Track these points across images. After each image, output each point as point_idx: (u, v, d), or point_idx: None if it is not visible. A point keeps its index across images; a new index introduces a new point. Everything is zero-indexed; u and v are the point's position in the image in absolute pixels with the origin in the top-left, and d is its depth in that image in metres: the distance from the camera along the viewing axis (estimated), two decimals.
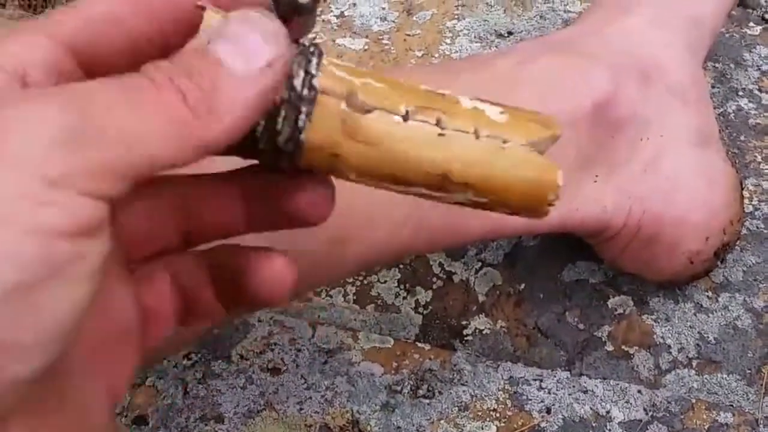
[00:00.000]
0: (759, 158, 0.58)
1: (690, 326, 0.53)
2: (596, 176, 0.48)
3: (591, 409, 0.51)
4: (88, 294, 0.20)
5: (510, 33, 0.67)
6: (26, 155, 0.19)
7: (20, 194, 0.19)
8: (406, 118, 0.24)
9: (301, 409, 0.52)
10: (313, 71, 0.24)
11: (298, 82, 0.24)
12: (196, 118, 0.22)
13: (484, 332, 0.54)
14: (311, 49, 0.24)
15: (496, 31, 0.67)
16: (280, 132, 0.24)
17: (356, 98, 0.24)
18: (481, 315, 0.55)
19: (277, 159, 0.25)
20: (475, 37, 0.67)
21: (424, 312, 0.55)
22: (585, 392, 0.51)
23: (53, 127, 0.20)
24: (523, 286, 0.56)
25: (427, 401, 0.52)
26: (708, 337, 0.52)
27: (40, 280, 0.19)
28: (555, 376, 0.52)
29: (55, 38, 0.24)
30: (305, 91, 0.24)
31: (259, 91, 0.22)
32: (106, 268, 0.21)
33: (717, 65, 0.63)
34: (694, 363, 0.52)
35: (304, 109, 0.24)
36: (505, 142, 0.25)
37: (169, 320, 0.27)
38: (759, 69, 0.62)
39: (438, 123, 0.25)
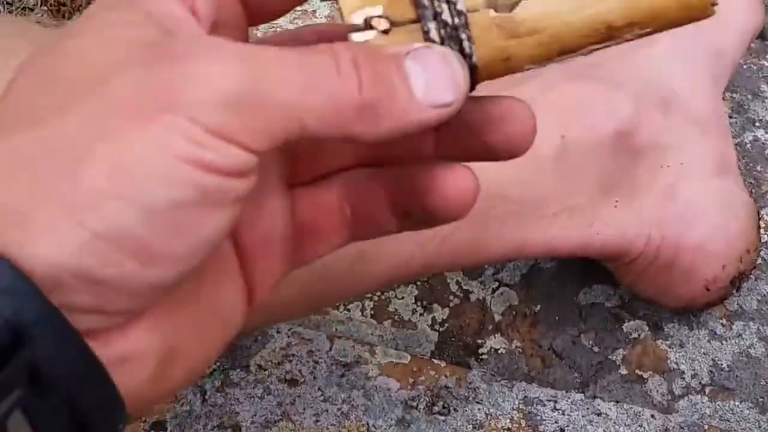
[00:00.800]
0: None
1: (704, 353, 0.53)
2: (616, 201, 0.49)
3: (604, 431, 0.51)
4: (230, 220, 0.23)
5: None
6: (198, 105, 0.21)
7: (183, 133, 0.21)
8: None
9: (317, 421, 0.52)
10: (467, 50, 0.25)
11: (446, 16, 0.25)
12: (359, 111, 0.23)
13: (499, 351, 0.55)
14: (456, 21, 0.25)
15: None
16: None
17: (498, 1, 0.25)
18: (496, 334, 0.56)
19: None
20: None
21: (441, 329, 0.56)
22: (598, 415, 0.52)
23: (228, 88, 0.22)
24: (539, 307, 0.56)
25: (443, 418, 0.52)
26: (721, 364, 0.53)
27: (193, 202, 0.22)
28: (569, 398, 0.53)
29: None
30: (456, 20, 0.25)
31: (426, 121, 0.24)
32: (266, 179, 0.25)
33: (735, 96, 0.64)
34: (707, 389, 0.52)
35: (463, 35, 0.25)
36: None
37: (332, 234, 0.29)
38: None
39: None
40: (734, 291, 0.53)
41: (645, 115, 0.50)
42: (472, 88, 0.26)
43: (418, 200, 0.28)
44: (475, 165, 0.45)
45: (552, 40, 0.25)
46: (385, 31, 0.25)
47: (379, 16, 0.25)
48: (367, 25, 0.24)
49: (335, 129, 0.23)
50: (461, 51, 0.25)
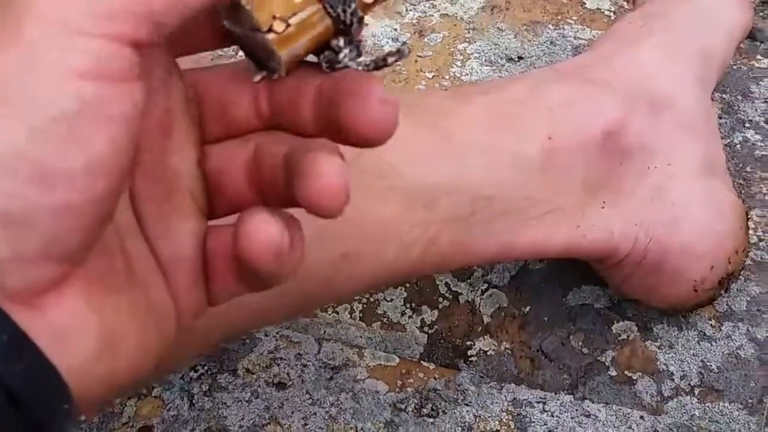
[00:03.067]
0: (765, 189, 0.59)
1: (693, 354, 0.53)
2: (604, 202, 0.49)
3: None
4: (122, 132, 0.22)
5: (520, 58, 0.68)
6: (49, 7, 0.21)
7: (48, 43, 0.21)
8: None
9: (305, 424, 0.52)
10: None
11: None
12: None
13: (488, 353, 0.55)
14: None
15: (506, 55, 0.68)
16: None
17: None
18: (485, 336, 0.55)
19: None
20: (485, 60, 0.68)
21: (430, 331, 0.56)
22: (588, 416, 0.52)
23: None
24: (528, 308, 0.56)
25: (431, 420, 0.52)
26: (711, 365, 0.53)
27: (77, 113, 0.21)
28: (558, 400, 0.52)
29: None
30: None
31: None
32: (167, 123, 0.24)
33: (724, 96, 0.64)
34: (697, 391, 0.52)
35: None
36: None
37: (241, 192, 0.28)
38: (766, 101, 0.63)
39: None
40: (723, 292, 0.53)
41: (632, 116, 0.50)
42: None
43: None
44: (460, 167, 0.45)
45: None
46: None
47: None
48: None
49: None
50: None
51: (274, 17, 0.25)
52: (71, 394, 0.22)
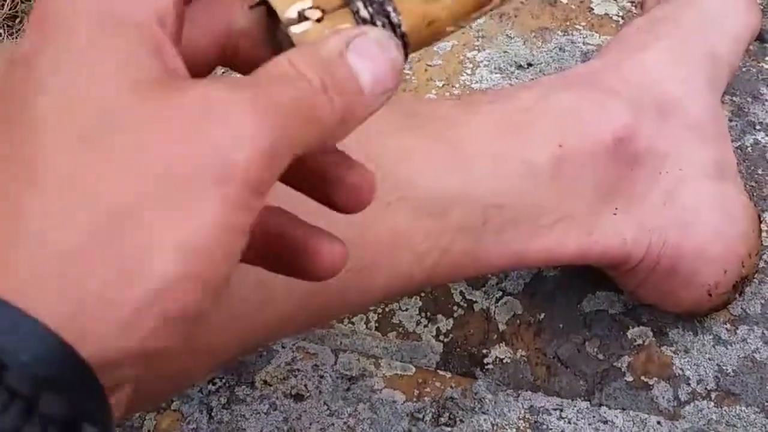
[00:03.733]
0: None
1: (709, 358, 0.53)
2: (616, 209, 0.49)
3: None
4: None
5: (530, 64, 0.68)
6: (246, 171, 0.22)
7: (237, 203, 0.22)
8: None
9: None
10: (396, 28, 0.26)
11: None
12: (335, 122, 0.24)
13: (504, 361, 0.55)
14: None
15: (515, 62, 0.69)
16: None
17: None
18: (501, 344, 0.56)
19: None
20: (495, 68, 0.68)
21: (445, 340, 0.56)
22: (605, 422, 0.52)
23: (265, 145, 0.22)
24: (543, 315, 0.56)
25: (449, 429, 0.52)
26: (727, 369, 0.53)
27: (232, 267, 0.22)
28: (575, 406, 0.52)
29: None
30: None
31: (373, 111, 0.25)
32: None
33: (734, 99, 0.64)
34: (713, 395, 0.52)
35: (389, 8, 0.26)
36: None
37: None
38: None
39: None
40: (737, 295, 0.53)
41: (642, 122, 0.50)
42: (405, 58, 0.27)
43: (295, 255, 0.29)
44: (471, 176, 0.46)
45: None
46: (319, 20, 0.26)
47: (311, 7, 0.26)
48: (301, 17, 0.26)
49: (318, 140, 0.24)
50: (390, 23, 0.26)
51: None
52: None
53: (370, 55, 0.25)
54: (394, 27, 0.26)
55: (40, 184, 0.20)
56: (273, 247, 0.28)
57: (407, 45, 0.27)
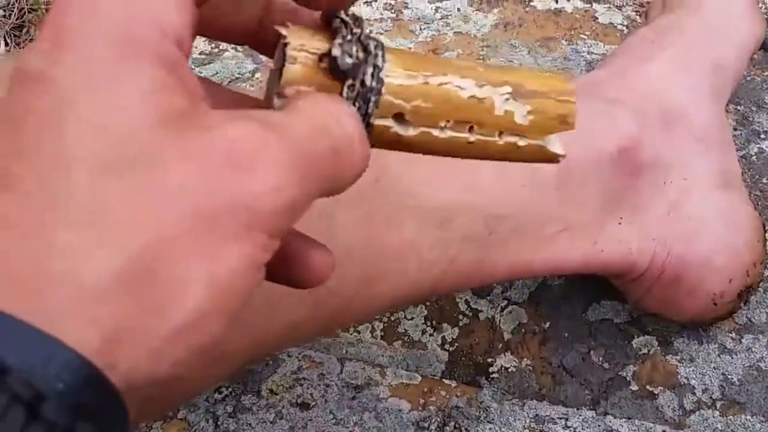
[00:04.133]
0: None
1: (714, 367, 0.53)
2: (621, 218, 0.49)
3: None
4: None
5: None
6: (273, 218, 0.23)
7: (262, 245, 0.23)
8: (443, 129, 0.29)
9: None
10: (380, 65, 0.27)
11: (368, 78, 0.27)
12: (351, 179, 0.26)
13: (509, 370, 0.55)
14: (375, 44, 0.27)
15: None
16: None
17: (404, 118, 0.28)
18: (506, 353, 0.56)
19: None
20: None
21: (450, 349, 0.56)
22: (610, 431, 0.52)
23: (289, 196, 0.23)
24: (548, 324, 0.56)
25: None
26: (732, 378, 0.53)
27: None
28: (580, 415, 0.53)
29: None
30: (374, 83, 0.27)
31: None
32: None
33: (739, 108, 0.64)
34: (718, 404, 0.52)
35: (372, 98, 0.27)
36: (522, 139, 0.29)
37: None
38: None
39: (470, 130, 0.29)
40: (742, 304, 0.53)
41: (647, 132, 0.50)
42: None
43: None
44: (476, 185, 0.46)
45: (425, 152, 0.29)
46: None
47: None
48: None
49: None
50: (366, 109, 0.27)
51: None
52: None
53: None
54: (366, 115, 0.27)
55: (71, 218, 0.21)
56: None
57: (371, 134, 0.28)
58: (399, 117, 0.28)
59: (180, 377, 0.22)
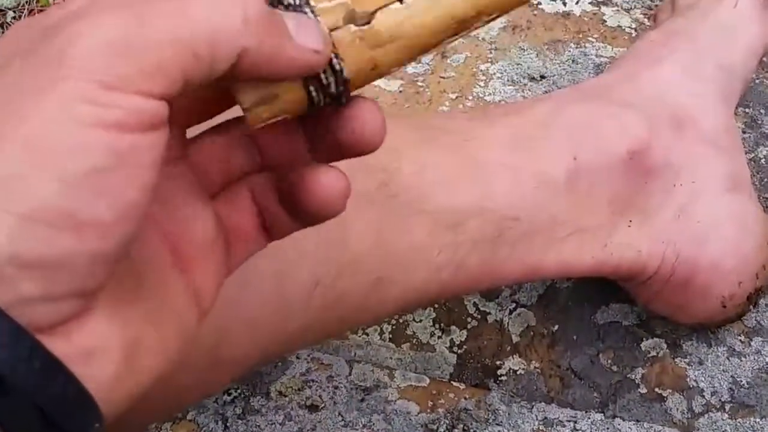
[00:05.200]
0: None
1: (723, 370, 0.53)
2: (630, 221, 0.49)
3: None
4: (152, 178, 0.23)
5: (542, 77, 0.69)
6: (87, 62, 0.22)
7: (82, 96, 0.22)
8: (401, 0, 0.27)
9: None
10: (314, 17, 0.26)
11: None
12: (246, 24, 0.24)
13: (518, 372, 0.55)
14: (298, 1, 0.27)
15: (528, 74, 0.69)
16: (329, 84, 0.27)
17: (355, 14, 0.27)
18: (515, 355, 0.56)
19: (335, 103, 0.27)
20: (508, 80, 0.69)
21: (459, 351, 0.56)
22: None
23: (111, 36, 0.22)
24: (556, 327, 0.57)
25: None
26: (741, 381, 0.53)
27: (110, 167, 0.22)
28: (589, 418, 0.53)
29: None
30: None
31: (301, 61, 0.25)
32: (186, 189, 0.26)
33: (747, 111, 0.64)
34: (728, 407, 0.52)
35: (333, 57, 0.26)
36: None
37: (253, 235, 0.30)
38: None
39: None
40: (751, 307, 0.53)
41: (656, 135, 0.50)
42: (346, 99, 0.28)
43: (299, 200, 0.29)
44: (486, 189, 0.46)
45: (411, 43, 0.28)
46: None
47: None
48: None
49: (226, 52, 0.24)
50: (332, 68, 0.26)
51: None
52: (101, 412, 0.23)
53: (299, 19, 0.26)
54: (336, 74, 0.27)
55: None
56: (283, 180, 0.29)
57: (348, 86, 0.27)
58: (354, 20, 0.27)
59: (40, 258, 0.21)
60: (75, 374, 0.22)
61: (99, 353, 0.23)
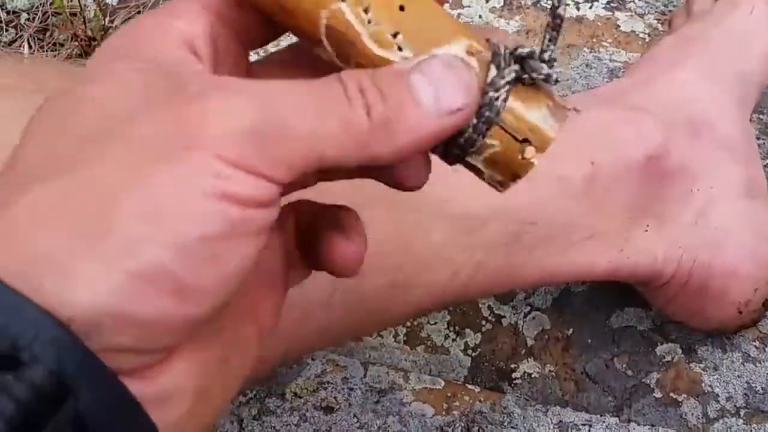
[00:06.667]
0: None
1: (738, 375, 0.54)
2: (647, 226, 0.50)
3: None
4: (256, 249, 0.23)
5: (556, 81, 0.69)
6: (219, 139, 0.22)
7: (208, 169, 0.22)
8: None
9: None
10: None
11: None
12: (371, 132, 0.24)
13: (532, 376, 0.55)
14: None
15: None
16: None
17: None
18: (529, 359, 0.56)
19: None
20: None
21: (473, 354, 0.57)
22: None
23: (245, 121, 0.23)
24: (571, 331, 0.57)
25: None
26: (756, 386, 0.53)
27: (219, 236, 0.22)
28: (604, 422, 0.53)
29: (209, 8, 0.26)
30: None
31: (442, 129, 0.24)
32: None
33: (762, 117, 0.64)
34: (742, 412, 0.52)
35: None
36: None
37: (302, 261, 0.30)
38: None
39: None
40: (767, 313, 0.53)
41: (673, 140, 0.50)
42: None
43: (319, 253, 0.29)
44: (508, 194, 0.46)
45: None
46: None
47: None
48: None
49: (353, 153, 0.24)
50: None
51: None
52: None
53: (433, 72, 0.25)
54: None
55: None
56: (306, 238, 0.29)
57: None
58: None
59: (141, 317, 0.22)
60: (150, 416, 0.23)
61: (174, 396, 0.24)
